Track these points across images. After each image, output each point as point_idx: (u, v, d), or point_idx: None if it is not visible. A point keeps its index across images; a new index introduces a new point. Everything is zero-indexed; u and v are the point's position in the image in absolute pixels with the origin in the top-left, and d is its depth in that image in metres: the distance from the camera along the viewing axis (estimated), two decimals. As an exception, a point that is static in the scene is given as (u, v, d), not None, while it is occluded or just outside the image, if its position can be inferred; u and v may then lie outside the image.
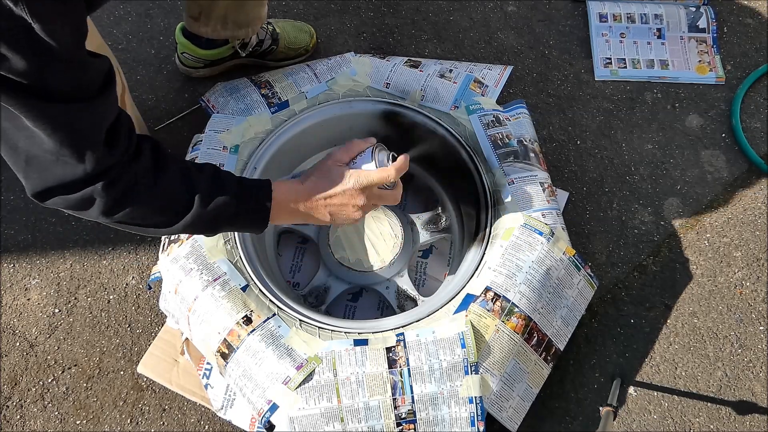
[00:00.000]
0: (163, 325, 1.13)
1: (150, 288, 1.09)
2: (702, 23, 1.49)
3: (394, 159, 0.86)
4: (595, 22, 1.49)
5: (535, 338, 0.96)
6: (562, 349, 1.00)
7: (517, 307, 0.95)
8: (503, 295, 0.95)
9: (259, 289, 0.97)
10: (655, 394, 1.13)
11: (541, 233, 1.00)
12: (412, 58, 1.22)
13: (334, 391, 0.89)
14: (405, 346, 0.92)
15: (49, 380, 1.13)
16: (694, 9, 1.51)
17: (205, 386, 1.03)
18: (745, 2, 1.53)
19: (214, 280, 0.96)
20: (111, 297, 1.20)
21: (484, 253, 1.02)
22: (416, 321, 0.96)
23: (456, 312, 0.95)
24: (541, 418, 1.09)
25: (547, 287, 0.98)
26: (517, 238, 1.00)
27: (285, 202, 0.80)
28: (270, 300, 0.96)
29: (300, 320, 0.95)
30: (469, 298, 0.96)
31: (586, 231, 1.27)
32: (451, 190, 1.20)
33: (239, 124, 1.11)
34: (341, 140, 1.18)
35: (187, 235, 1.00)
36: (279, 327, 0.93)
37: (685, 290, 1.21)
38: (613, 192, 1.31)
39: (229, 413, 1.00)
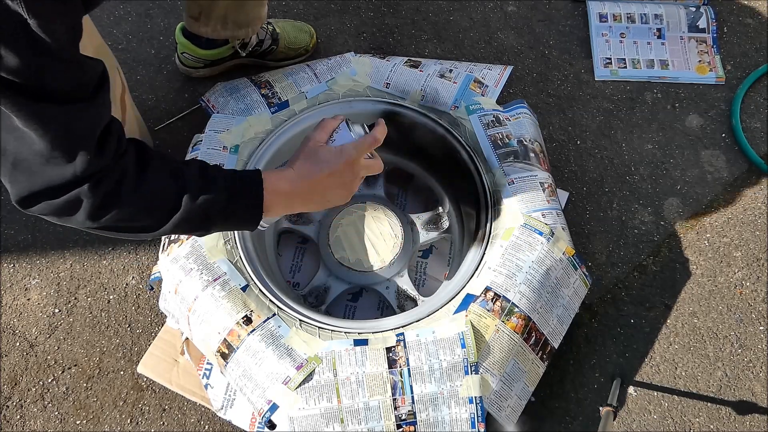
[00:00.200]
0: (163, 325, 1.13)
1: (152, 289, 1.09)
2: (702, 23, 1.49)
3: (369, 129, 0.83)
4: (595, 21, 1.49)
5: (534, 338, 0.96)
6: (556, 348, 1.00)
7: (517, 307, 0.95)
8: (503, 295, 0.95)
9: (259, 289, 0.97)
10: (655, 394, 1.13)
11: (541, 233, 1.00)
12: (412, 58, 1.22)
13: (334, 391, 0.89)
14: (405, 346, 0.92)
15: (49, 380, 1.13)
16: (694, 9, 1.51)
17: (205, 386, 1.03)
18: (745, 2, 1.53)
19: (214, 280, 0.96)
20: (111, 297, 1.20)
21: (484, 253, 1.02)
22: (416, 321, 0.96)
23: (456, 312, 0.95)
24: (541, 418, 1.10)
25: (546, 287, 0.98)
26: (517, 238, 1.00)
27: (278, 189, 0.76)
28: (270, 300, 0.96)
29: (300, 320, 0.95)
30: (469, 298, 0.96)
31: (586, 231, 1.27)
32: (451, 190, 1.20)
33: (239, 124, 1.11)
34: (341, 140, 1.18)
35: (187, 235, 1.00)
36: (279, 327, 0.93)
37: (685, 290, 1.21)
38: (613, 192, 1.31)
39: (229, 413, 1.00)
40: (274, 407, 0.89)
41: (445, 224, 1.19)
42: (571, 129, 1.37)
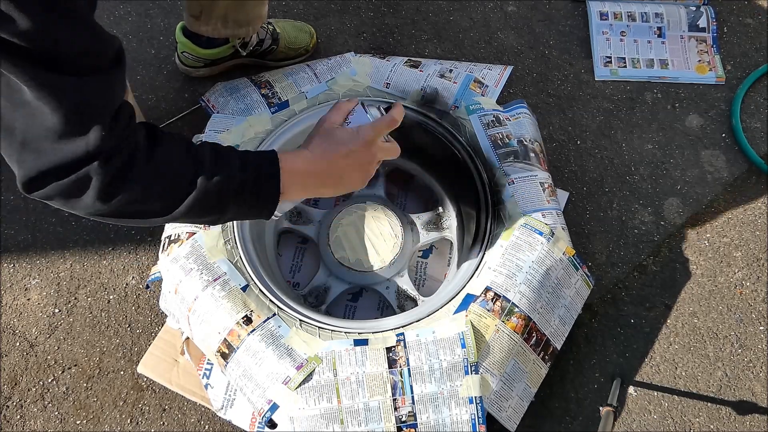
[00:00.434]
0: (163, 325, 1.13)
1: (148, 287, 1.09)
2: (702, 23, 1.49)
3: (386, 111, 0.82)
4: (595, 20, 1.49)
5: (534, 338, 0.96)
6: (559, 349, 1.00)
7: (517, 307, 0.95)
8: (503, 295, 0.95)
9: (259, 289, 0.97)
10: (655, 394, 1.13)
11: (541, 233, 1.00)
12: (412, 58, 1.22)
13: (334, 391, 0.89)
14: (405, 346, 0.92)
15: (49, 380, 1.13)
16: (694, 8, 1.50)
17: (205, 386, 1.03)
18: (745, 2, 1.53)
19: (214, 280, 0.96)
20: (111, 297, 1.20)
21: (484, 253, 1.02)
22: (416, 321, 0.96)
23: (456, 312, 0.95)
24: (541, 418, 1.10)
25: (546, 287, 0.98)
26: (517, 238, 1.00)
27: (294, 168, 0.72)
28: (270, 300, 0.96)
29: (300, 320, 0.95)
30: (469, 298, 0.96)
31: (586, 231, 1.27)
32: (451, 190, 1.20)
33: (239, 124, 1.11)
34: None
35: (188, 234, 1.00)
36: (279, 327, 0.93)
37: (685, 290, 1.21)
38: (613, 192, 1.31)
39: (229, 413, 1.00)
40: (274, 407, 0.89)
41: (445, 224, 1.19)
42: (571, 129, 1.37)
